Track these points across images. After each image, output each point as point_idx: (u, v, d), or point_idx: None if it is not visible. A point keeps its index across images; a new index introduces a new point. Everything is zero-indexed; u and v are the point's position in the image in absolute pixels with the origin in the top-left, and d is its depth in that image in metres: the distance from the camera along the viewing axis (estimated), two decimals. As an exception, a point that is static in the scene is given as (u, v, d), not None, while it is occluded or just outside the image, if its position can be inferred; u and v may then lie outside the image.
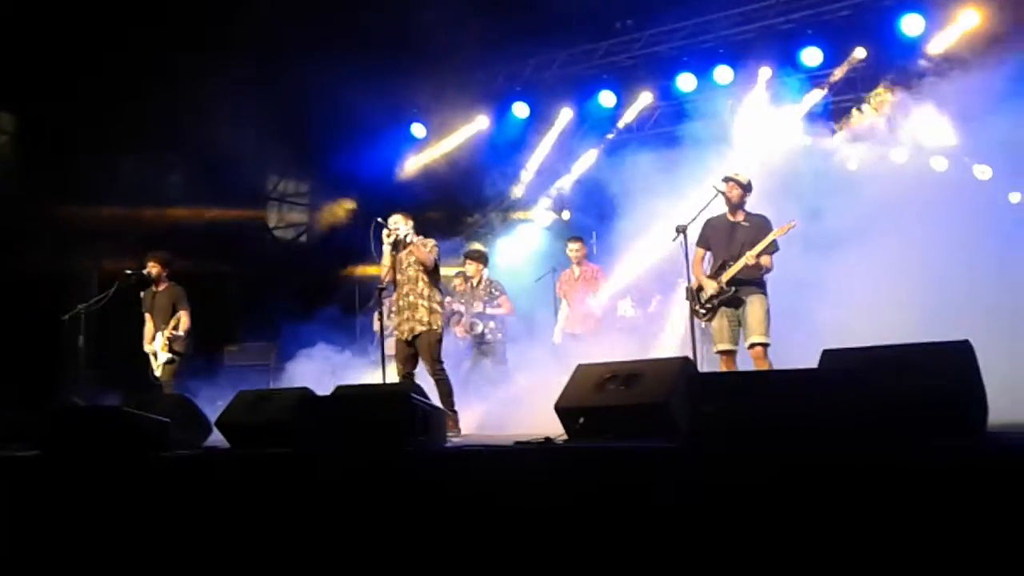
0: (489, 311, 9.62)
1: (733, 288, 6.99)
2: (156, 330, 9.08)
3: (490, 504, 4.03)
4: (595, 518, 3.70)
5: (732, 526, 3.39)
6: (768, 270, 6.99)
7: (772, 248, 6.96)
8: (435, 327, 7.32)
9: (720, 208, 7.26)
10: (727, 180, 7.19)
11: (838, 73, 11.30)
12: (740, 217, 7.18)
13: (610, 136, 12.86)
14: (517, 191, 14.02)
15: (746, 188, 7.19)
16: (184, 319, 9.03)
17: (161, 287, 9.18)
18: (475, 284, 9.81)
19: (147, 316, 9.18)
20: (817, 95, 11.40)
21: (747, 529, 3.35)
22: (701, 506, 3.48)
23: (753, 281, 6.99)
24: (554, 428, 5.11)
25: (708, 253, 7.34)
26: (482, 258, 10.06)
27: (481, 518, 4.00)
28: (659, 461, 3.84)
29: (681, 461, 3.79)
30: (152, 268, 9.12)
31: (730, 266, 7.03)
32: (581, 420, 4.95)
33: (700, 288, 7.20)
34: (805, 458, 3.41)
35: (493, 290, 9.75)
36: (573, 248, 9.89)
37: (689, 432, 4.11)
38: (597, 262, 10.60)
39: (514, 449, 4.64)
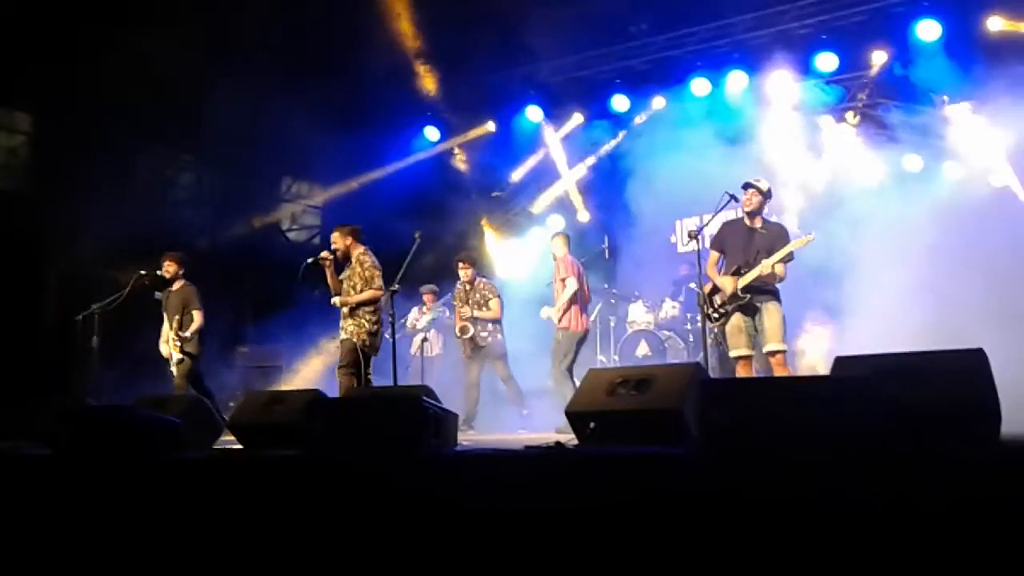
0: (477, 314, 9.54)
1: (748, 295, 6.92)
2: (170, 330, 9.07)
3: (500, 508, 4.01)
4: (604, 523, 3.68)
5: (743, 532, 3.37)
6: (781, 279, 6.93)
7: (788, 258, 6.90)
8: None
9: (736, 212, 7.23)
10: (747, 187, 7.11)
11: (853, 78, 11.28)
12: (758, 223, 7.10)
13: (622, 137, 12.83)
14: (528, 193, 14.02)
15: (766, 195, 7.13)
16: (196, 319, 8.96)
17: (176, 287, 9.13)
18: (468, 287, 9.75)
19: (165, 316, 9.19)
20: (832, 100, 11.39)
21: (758, 535, 3.33)
22: (712, 512, 3.47)
23: (766, 288, 6.93)
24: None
25: (721, 256, 7.28)
26: (472, 261, 10.03)
27: (490, 522, 3.99)
28: (670, 466, 3.83)
29: (692, 467, 3.77)
30: (168, 267, 9.07)
31: (744, 272, 6.96)
32: (592, 425, 4.93)
33: (714, 291, 7.14)
34: (816, 464, 3.39)
35: (487, 293, 9.67)
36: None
37: (701, 438, 4.10)
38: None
39: (524, 453, 4.63)
